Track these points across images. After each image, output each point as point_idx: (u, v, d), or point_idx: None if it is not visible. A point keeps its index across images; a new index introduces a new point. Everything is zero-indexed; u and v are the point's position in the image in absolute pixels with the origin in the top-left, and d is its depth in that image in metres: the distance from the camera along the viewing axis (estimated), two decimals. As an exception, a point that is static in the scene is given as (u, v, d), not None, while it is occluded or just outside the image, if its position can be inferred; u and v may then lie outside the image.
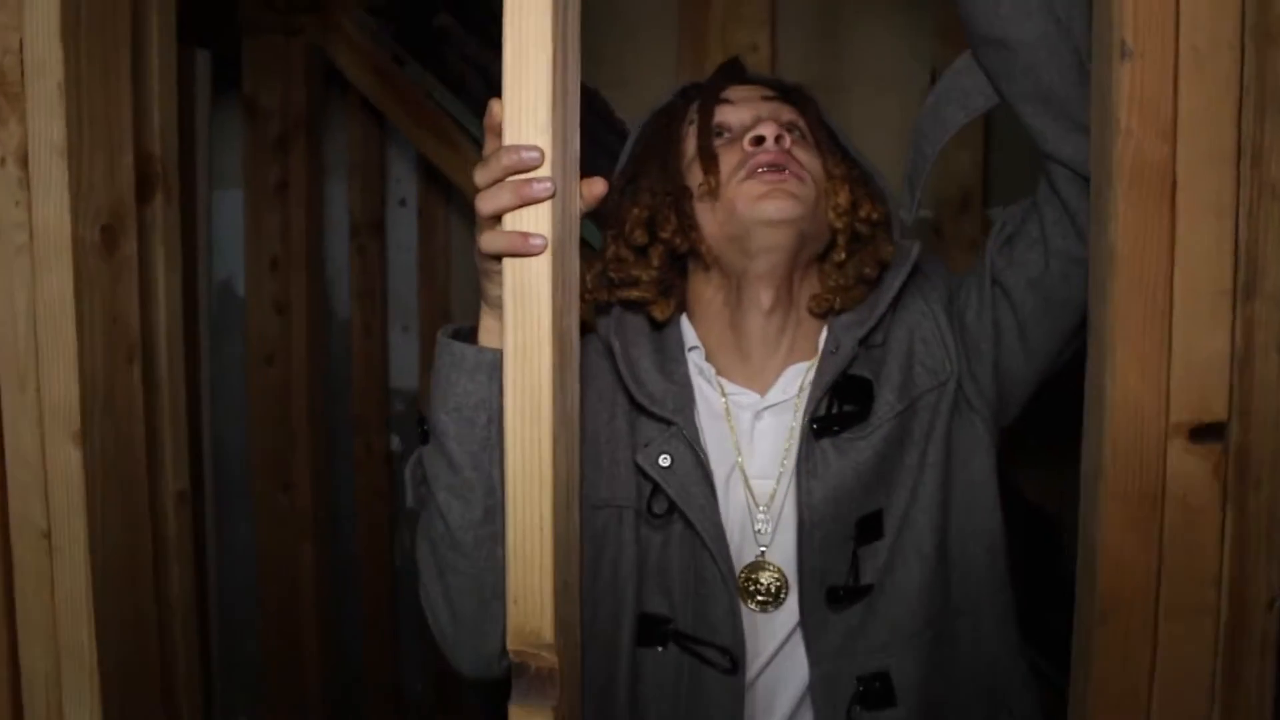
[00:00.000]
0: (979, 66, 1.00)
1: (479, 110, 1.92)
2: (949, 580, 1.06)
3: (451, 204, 2.64)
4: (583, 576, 0.99)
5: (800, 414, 1.06)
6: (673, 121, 1.14)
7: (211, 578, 2.44)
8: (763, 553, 1.06)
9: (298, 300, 2.36)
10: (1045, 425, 1.24)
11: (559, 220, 0.86)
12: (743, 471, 1.07)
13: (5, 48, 0.98)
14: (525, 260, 0.84)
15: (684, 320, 1.14)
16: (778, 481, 1.06)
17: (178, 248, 1.34)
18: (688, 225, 1.07)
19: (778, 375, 1.09)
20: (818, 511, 1.02)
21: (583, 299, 1.11)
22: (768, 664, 1.05)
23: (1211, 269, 0.82)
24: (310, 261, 2.39)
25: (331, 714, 2.49)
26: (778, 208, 1.02)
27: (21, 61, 0.98)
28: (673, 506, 1.04)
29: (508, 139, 0.82)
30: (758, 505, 1.06)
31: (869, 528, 1.04)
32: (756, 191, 1.04)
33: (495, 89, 0.84)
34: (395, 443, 2.76)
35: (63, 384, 0.99)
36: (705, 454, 1.05)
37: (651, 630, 1.06)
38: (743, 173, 1.05)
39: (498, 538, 0.94)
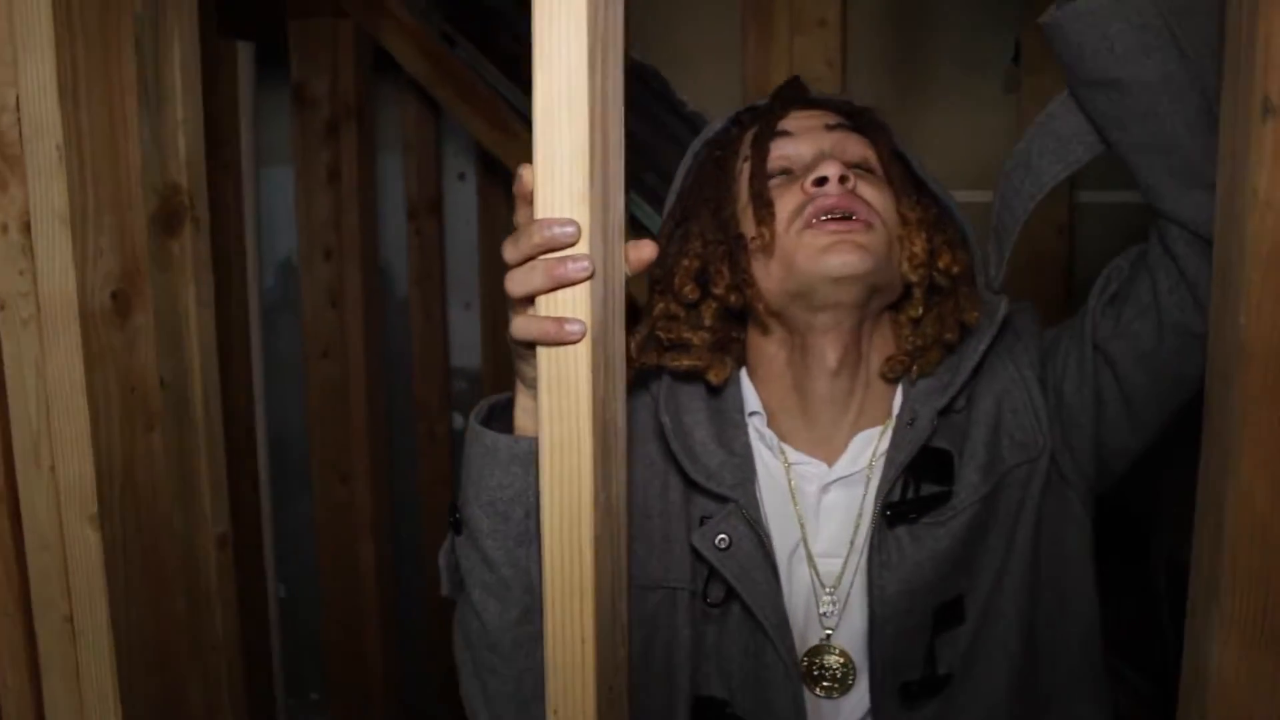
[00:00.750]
0: (1080, 110, 0.87)
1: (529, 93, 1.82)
2: (1037, 671, 0.96)
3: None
4: (631, 661, 0.92)
5: (872, 488, 0.95)
6: (726, 155, 1.02)
7: (268, 559, 2.44)
8: (828, 636, 0.97)
9: (352, 292, 2.30)
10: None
11: (599, 301, 0.77)
12: (808, 550, 0.97)
13: (2, 105, 0.91)
14: (562, 349, 0.75)
15: (744, 379, 1.03)
16: (845, 561, 0.96)
17: (209, 280, 1.28)
18: (743, 281, 0.96)
19: (847, 442, 0.98)
20: (890, 605, 0.92)
21: (629, 365, 1.01)
22: (836, 754, 0.97)
23: (1363, 368, 0.69)
24: (364, 251, 2.33)
25: (394, 700, 2.50)
26: (844, 263, 0.91)
27: (19, 120, 0.91)
28: (731, 591, 0.95)
29: (539, 210, 0.72)
30: (824, 586, 0.97)
31: (949, 615, 0.94)
32: (819, 244, 0.92)
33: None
34: (458, 422, 2.72)
35: (77, 463, 0.94)
36: (767, 532, 0.95)
37: (708, 714, 0.98)
38: (801, 221, 0.94)
39: (537, 638, 0.87)
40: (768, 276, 0.95)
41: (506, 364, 0.90)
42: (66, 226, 0.91)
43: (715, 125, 1.08)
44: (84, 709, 0.97)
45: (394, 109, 2.52)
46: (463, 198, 2.66)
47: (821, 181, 0.94)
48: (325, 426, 2.35)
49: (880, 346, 0.99)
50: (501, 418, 0.91)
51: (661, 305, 1.00)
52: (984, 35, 1.92)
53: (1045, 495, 0.95)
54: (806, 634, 0.97)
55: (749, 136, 1.02)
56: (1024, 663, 0.94)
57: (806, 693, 0.96)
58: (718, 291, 0.97)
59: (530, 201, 0.73)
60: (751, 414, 1.00)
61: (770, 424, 1.00)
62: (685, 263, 0.99)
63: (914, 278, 0.95)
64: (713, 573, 0.95)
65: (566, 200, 0.73)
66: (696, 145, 1.07)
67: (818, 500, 0.98)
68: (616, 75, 0.76)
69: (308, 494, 2.44)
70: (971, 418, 0.96)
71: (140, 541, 1.00)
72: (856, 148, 0.99)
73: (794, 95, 1.06)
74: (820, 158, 0.96)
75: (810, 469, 0.99)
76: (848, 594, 0.96)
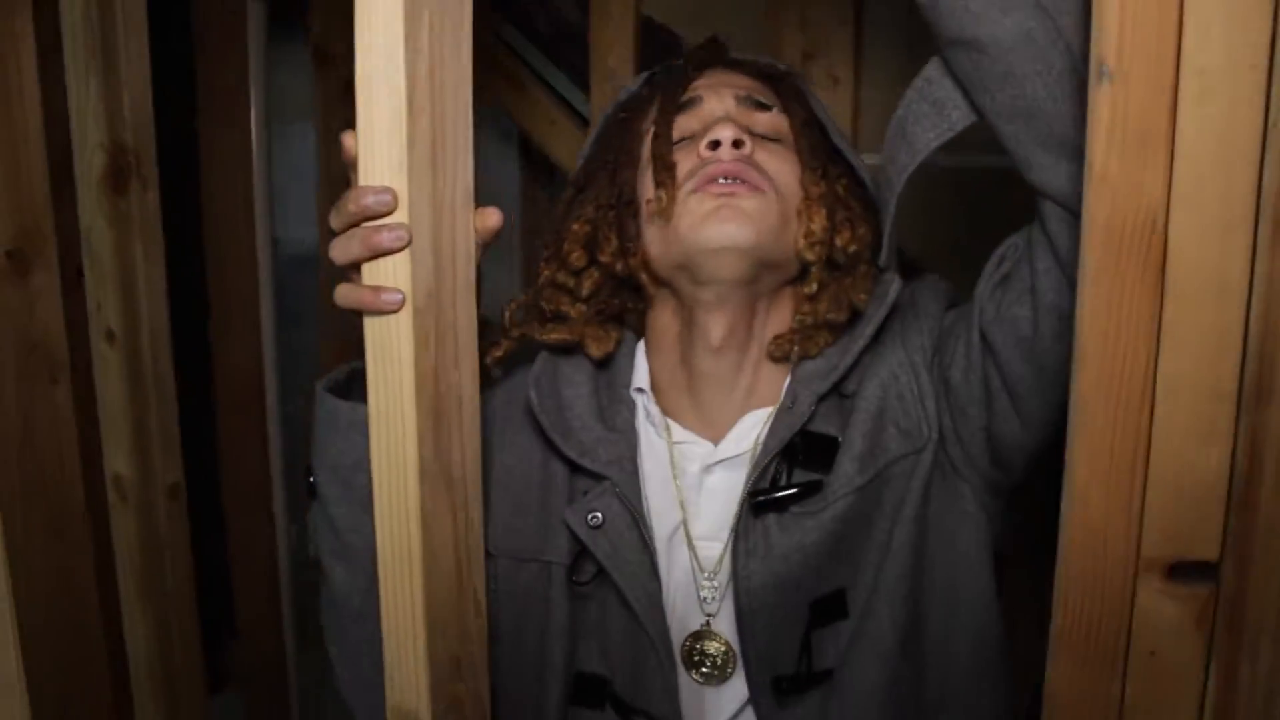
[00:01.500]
0: (950, 75, 0.80)
1: (574, 79, 1.78)
2: (923, 673, 0.91)
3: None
4: (497, 633, 0.90)
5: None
6: (632, 117, 0.98)
7: (281, 522, 2.49)
8: (708, 622, 0.93)
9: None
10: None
11: (429, 270, 0.75)
12: (688, 532, 0.94)
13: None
14: (385, 317, 0.74)
15: (639, 351, 0.99)
16: (725, 547, 0.92)
17: (158, 237, 1.30)
18: (630, 248, 0.92)
19: (734, 422, 0.94)
20: (757, 597, 0.88)
21: (508, 336, 0.99)
22: (719, 740, 0.93)
23: (1209, 365, 0.62)
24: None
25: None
26: (723, 233, 0.86)
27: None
28: (601, 570, 0.92)
29: (361, 178, 0.71)
30: (703, 571, 0.93)
31: (829, 608, 0.89)
32: (704, 209, 0.88)
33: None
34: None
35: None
36: (645, 512, 0.92)
37: (588, 691, 0.96)
38: (692, 183, 0.89)
39: (386, 605, 0.86)
40: (658, 242, 0.91)
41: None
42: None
43: (630, 88, 1.04)
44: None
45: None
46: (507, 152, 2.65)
47: (715, 145, 0.90)
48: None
49: (776, 324, 0.94)
50: (359, 384, 0.90)
51: (548, 273, 0.97)
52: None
53: (932, 490, 0.89)
54: (687, 618, 0.94)
55: (660, 99, 0.98)
56: (902, 664, 0.89)
57: (686, 677, 0.93)
58: (604, 259, 0.93)
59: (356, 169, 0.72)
60: (636, 389, 0.97)
61: (659, 400, 0.97)
62: (575, 228, 0.95)
63: (810, 255, 0.90)
64: (584, 550, 0.93)
65: (385, 169, 0.72)
66: (609, 109, 1.03)
67: (700, 481, 0.94)
68: (456, 42, 0.74)
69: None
70: (857, 404, 0.91)
71: (45, 498, 1.02)
72: (766, 117, 0.94)
73: (709, 57, 1.01)
74: (717, 121, 0.91)
75: (695, 448, 0.95)
76: (727, 580, 0.92)
